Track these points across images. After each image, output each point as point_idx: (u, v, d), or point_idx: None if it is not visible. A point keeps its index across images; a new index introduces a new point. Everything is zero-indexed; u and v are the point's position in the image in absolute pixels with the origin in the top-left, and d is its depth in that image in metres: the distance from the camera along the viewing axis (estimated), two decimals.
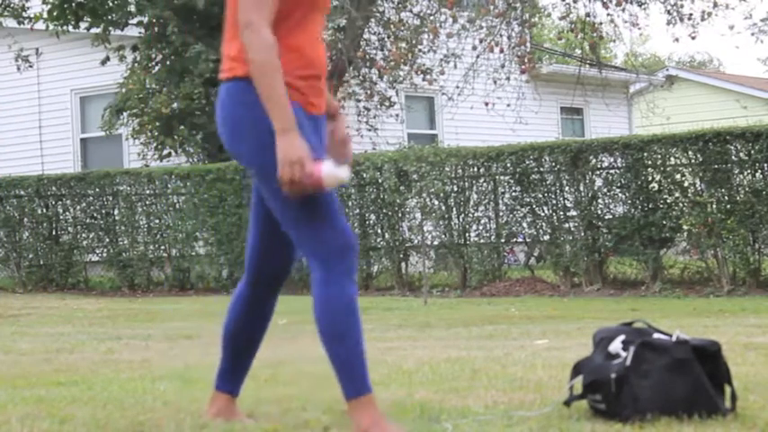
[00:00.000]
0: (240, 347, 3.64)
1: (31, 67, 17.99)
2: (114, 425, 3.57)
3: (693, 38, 16.36)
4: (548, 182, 12.79)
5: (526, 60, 16.25)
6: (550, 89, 20.92)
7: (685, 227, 12.11)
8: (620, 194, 12.49)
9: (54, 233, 15.31)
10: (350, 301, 3.22)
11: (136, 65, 16.73)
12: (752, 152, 11.54)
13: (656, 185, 12.24)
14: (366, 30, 16.44)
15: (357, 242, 3.31)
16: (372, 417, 3.21)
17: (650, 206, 12.19)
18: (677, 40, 17.68)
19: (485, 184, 13.23)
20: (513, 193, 13.06)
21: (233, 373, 3.62)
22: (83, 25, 16.94)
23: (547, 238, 13.03)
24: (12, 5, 17.66)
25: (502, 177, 13.11)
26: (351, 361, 3.23)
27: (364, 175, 13.61)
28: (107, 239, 15.03)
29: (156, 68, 16.54)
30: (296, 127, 3.17)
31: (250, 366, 3.65)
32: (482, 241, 13.30)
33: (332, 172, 3.20)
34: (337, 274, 3.22)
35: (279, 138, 3.15)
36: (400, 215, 13.56)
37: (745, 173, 11.69)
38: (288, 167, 3.12)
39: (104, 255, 15.13)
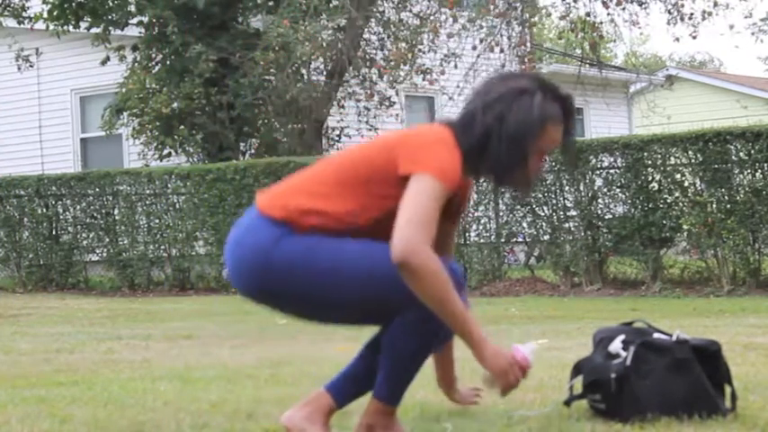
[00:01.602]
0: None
1: (31, 66, 17.99)
2: (114, 425, 3.57)
3: (694, 37, 16.36)
4: (548, 182, 12.79)
5: (526, 60, 16.24)
6: None
7: (685, 227, 12.10)
8: (620, 194, 12.49)
9: (54, 233, 15.30)
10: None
11: (136, 65, 16.73)
12: (752, 152, 11.54)
13: (656, 185, 12.24)
14: (366, 30, 16.43)
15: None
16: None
17: (650, 206, 12.19)
18: (678, 39, 17.70)
19: (485, 183, 13.22)
20: (514, 193, 13.05)
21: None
22: (83, 25, 16.94)
23: (547, 237, 13.03)
24: (12, 5, 17.66)
25: None
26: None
27: None
28: (107, 239, 15.03)
29: (156, 68, 16.55)
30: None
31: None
32: (482, 241, 13.30)
33: (532, 349, 3.21)
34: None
35: (481, 351, 3.06)
36: None
37: (745, 173, 11.68)
38: (504, 377, 3.10)
39: (104, 255, 15.13)
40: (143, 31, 16.43)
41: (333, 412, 3.25)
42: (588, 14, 16.12)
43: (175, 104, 15.89)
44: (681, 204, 12.10)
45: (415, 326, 3.04)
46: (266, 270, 3.12)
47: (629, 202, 12.37)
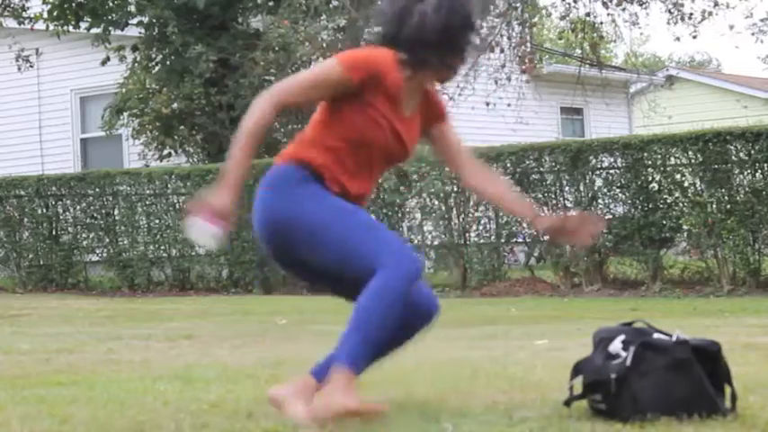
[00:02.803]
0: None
1: (31, 67, 17.99)
2: (114, 425, 3.57)
3: (694, 37, 16.38)
4: (548, 182, 12.79)
5: (527, 60, 16.25)
6: (551, 89, 20.92)
7: (685, 227, 12.11)
8: (620, 194, 12.49)
9: (54, 233, 15.31)
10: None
11: (136, 65, 16.73)
12: (752, 152, 11.54)
13: (656, 185, 12.24)
14: (366, 30, 16.42)
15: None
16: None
17: (650, 206, 12.19)
18: (678, 39, 17.72)
19: None
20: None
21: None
22: (83, 25, 16.94)
23: (547, 237, 13.02)
24: (12, 5, 17.66)
25: (502, 177, 13.10)
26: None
27: None
28: (107, 239, 15.03)
29: (156, 69, 16.54)
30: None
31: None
32: (482, 241, 13.29)
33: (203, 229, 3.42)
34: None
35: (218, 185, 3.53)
36: (400, 215, 13.56)
37: (745, 173, 11.69)
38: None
39: (104, 255, 15.13)
40: (143, 31, 16.43)
41: (316, 391, 3.46)
42: (588, 14, 16.13)
43: (175, 105, 15.89)
44: (681, 204, 12.11)
45: (376, 289, 3.28)
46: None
47: (629, 202, 12.37)
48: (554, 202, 12.82)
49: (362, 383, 4.29)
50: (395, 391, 4.14)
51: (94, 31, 16.81)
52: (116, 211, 14.99)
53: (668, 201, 12.19)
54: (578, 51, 20.84)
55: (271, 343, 6.84)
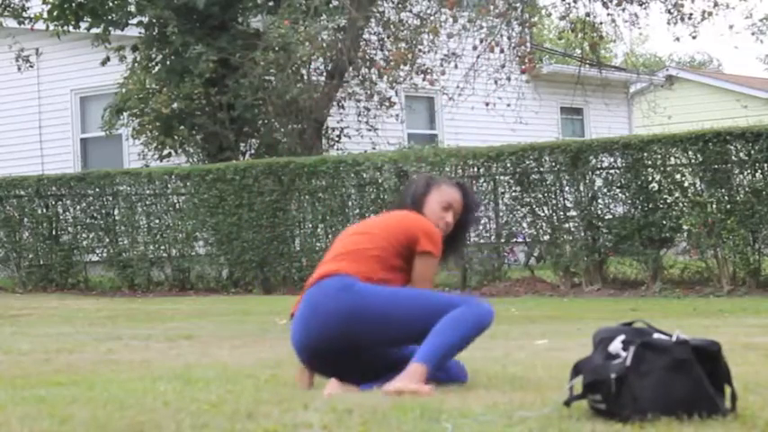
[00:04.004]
0: None
1: (31, 67, 17.99)
2: (114, 425, 3.57)
3: (694, 37, 16.36)
4: (548, 182, 12.79)
5: (526, 60, 16.24)
6: (550, 89, 20.92)
7: (685, 227, 12.11)
8: (620, 194, 12.49)
9: (54, 233, 15.30)
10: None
11: (136, 65, 16.73)
12: (752, 152, 11.54)
13: (656, 185, 12.24)
14: (366, 30, 16.43)
15: None
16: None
17: (650, 206, 12.19)
18: (678, 39, 17.69)
19: (485, 184, 13.23)
20: (513, 193, 13.07)
21: None
22: (83, 25, 16.94)
23: (547, 238, 13.03)
24: (12, 5, 17.66)
25: (502, 177, 13.11)
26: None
27: (364, 175, 13.61)
28: (107, 239, 15.03)
29: (156, 69, 16.54)
30: None
31: None
32: (482, 241, 13.29)
33: None
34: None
35: None
36: None
37: (745, 173, 11.69)
38: None
39: (104, 255, 15.13)
40: (143, 31, 16.42)
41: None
42: (588, 15, 16.13)
43: (175, 105, 15.89)
44: (681, 205, 12.11)
45: (464, 312, 4.18)
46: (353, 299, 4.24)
47: (629, 202, 12.37)
48: (554, 202, 12.82)
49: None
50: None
51: (94, 31, 16.81)
52: (116, 211, 14.99)
53: (668, 201, 12.19)
54: (578, 51, 20.86)
55: (271, 343, 6.84)
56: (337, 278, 4.28)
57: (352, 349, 4.24)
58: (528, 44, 16.84)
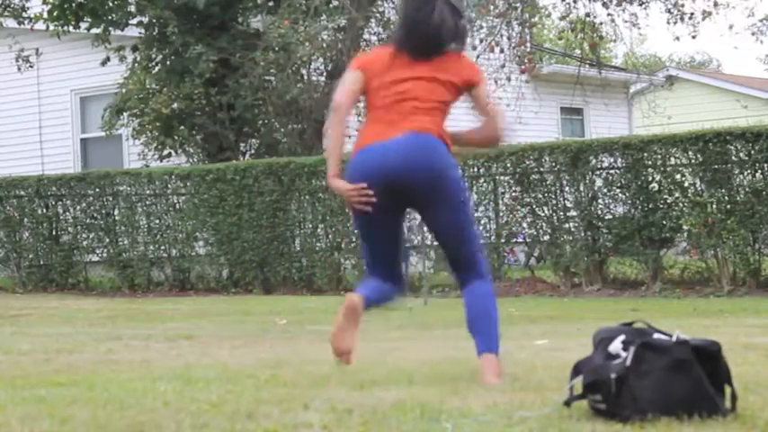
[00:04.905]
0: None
1: (31, 67, 17.99)
2: (114, 425, 3.57)
3: (694, 37, 16.37)
4: (548, 182, 12.79)
5: (526, 60, 16.24)
6: (550, 89, 20.91)
7: (685, 227, 12.11)
8: (620, 194, 12.49)
9: (54, 233, 15.31)
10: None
11: (136, 65, 16.73)
12: (752, 152, 11.55)
13: (656, 185, 12.24)
14: (366, 30, 16.43)
15: None
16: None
17: (650, 206, 12.19)
18: (678, 38, 17.70)
19: (485, 184, 13.23)
20: (513, 194, 13.06)
21: None
22: (83, 25, 16.94)
23: (547, 238, 13.03)
24: (12, 5, 17.66)
25: (502, 177, 13.11)
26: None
27: None
28: (107, 240, 15.03)
29: (156, 69, 16.54)
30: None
31: None
32: (482, 241, 13.27)
33: None
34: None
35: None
36: None
37: (745, 173, 11.69)
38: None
39: (104, 255, 15.13)
40: (143, 31, 16.43)
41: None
42: (588, 15, 16.13)
43: (175, 105, 15.89)
44: (681, 205, 12.11)
45: (492, 295, 4.63)
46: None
47: (629, 202, 12.37)
48: (554, 202, 12.82)
49: (364, 383, 4.30)
50: (395, 390, 4.14)
51: (94, 31, 16.81)
52: (116, 212, 14.99)
53: (668, 201, 12.19)
54: (578, 51, 20.85)
55: (271, 343, 6.84)
56: (443, 147, 4.72)
57: (412, 201, 4.71)
58: (528, 44, 16.84)
